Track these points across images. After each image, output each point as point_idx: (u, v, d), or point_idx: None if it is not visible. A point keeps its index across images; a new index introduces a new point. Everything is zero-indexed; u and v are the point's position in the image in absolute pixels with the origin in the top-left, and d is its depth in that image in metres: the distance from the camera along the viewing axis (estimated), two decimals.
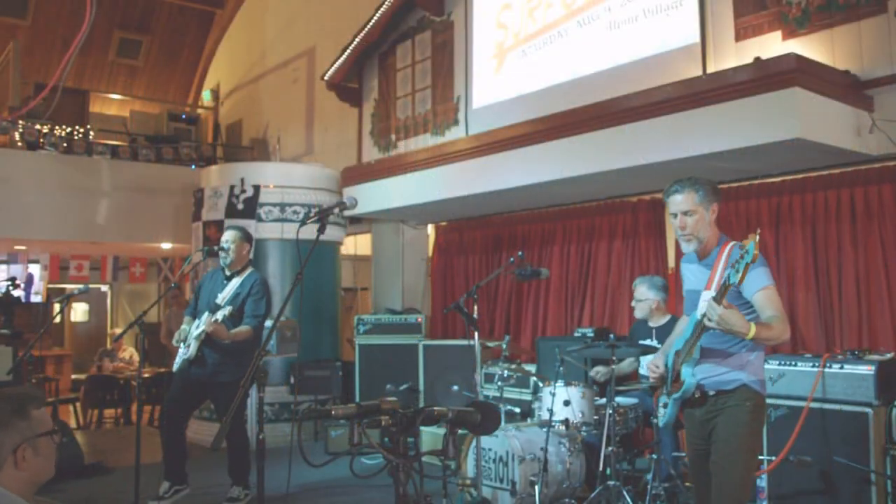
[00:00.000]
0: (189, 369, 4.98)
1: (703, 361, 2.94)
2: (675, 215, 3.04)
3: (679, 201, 3.03)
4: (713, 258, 3.00)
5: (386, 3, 7.51)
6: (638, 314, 4.98)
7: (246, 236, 5.22)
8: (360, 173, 7.32)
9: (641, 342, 4.95)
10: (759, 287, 2.85)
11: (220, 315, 4.81)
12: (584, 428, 4.47)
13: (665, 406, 3.06)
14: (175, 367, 5.12)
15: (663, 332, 4.89)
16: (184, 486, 5.08)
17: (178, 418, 5.15)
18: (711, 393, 2.94)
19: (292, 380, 7.01)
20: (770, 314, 2.82)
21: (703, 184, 3.03)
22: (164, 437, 5.13)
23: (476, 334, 4.50)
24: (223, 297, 5.06)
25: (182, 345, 5.03)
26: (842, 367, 4.05)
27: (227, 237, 5.17)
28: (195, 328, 5.03)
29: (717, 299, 2.70)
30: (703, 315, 2.84)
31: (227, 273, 5.15)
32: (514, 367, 5.15)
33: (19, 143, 8.81)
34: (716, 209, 3.03)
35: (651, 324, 4.98)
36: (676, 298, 5.02)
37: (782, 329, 2.81)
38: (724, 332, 2.79)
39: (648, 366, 3.12)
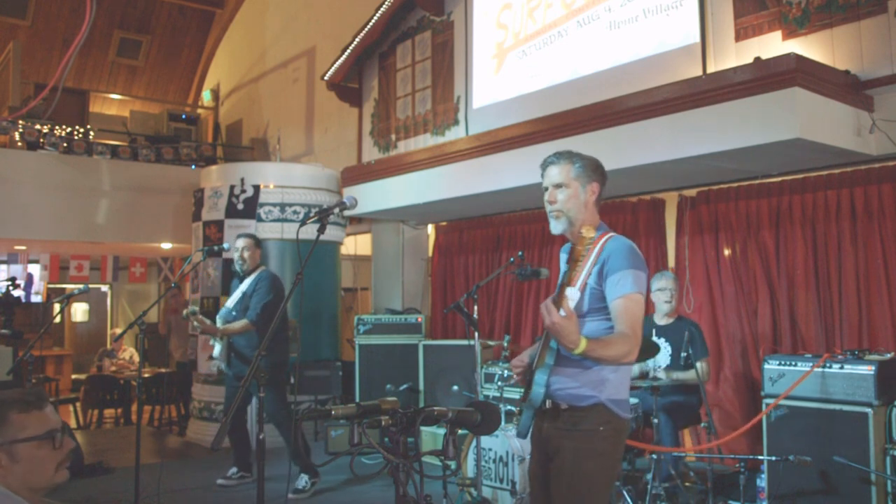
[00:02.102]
0: (228, 370, 5.46)
1: (559, 369, 2.50)
2: (547, 189, 2.67)
3: (552, 174, 2.66)
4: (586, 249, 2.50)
5: (386, 3, 7.51)
6: (672, 307, 4.97)
7: (257, 241, 5.76)
8: (360, 173, 7.32)
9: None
10: (619, 294, 2.44)
11: (184, 312, 5.44)
12: None
13: (520, 413, 2.62)
14: (216, 368, 5.67)
15: (670, 331, 4.90)
16: (249, 475, 5.60)
17: (238, 416, 5.56)
18: (564, 407, 2.51)
19: (292, 380, 7.01)
20: (619, 328, 2.42)
21: (583, 158, 2.69)
22: (230, 433, 5.58)
23: (476, 334, 4.50)
24: (234, 298, 5.55)
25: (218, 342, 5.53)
26: (842, 368, 4.05)
27: (241, 244, 5.60)
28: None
29: (555, 302, 2.28)
30: None
31: (241, 274, 5.63)
32: None
33: (19, 143, 8.81)
34: (596, 190, 2.67)
35: (659, 321, 4.99)
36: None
37: (624, 349, 2.38)
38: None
39: (513, 362, 2.68)
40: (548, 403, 2.54)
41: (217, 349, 5.41)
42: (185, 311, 5.59)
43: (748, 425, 4.47)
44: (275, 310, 5.21)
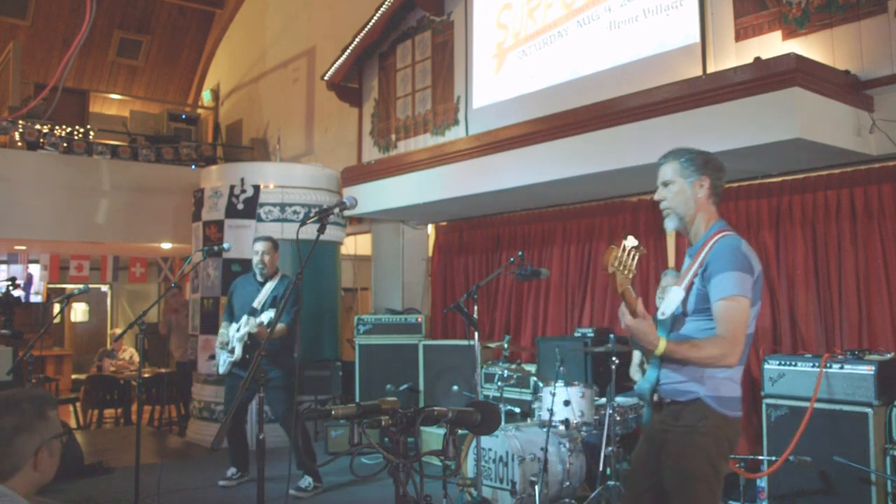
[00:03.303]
0: (237, 372, 5.39)
1: (665, 364, 2.55)
2: (658, 187, 2.68)
3: (660, 172, 2.67)
4: (697, 247, 2.61)
5: (386, 3, 7.51)
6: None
7: (275, 244, 5.69)
8: (360, 173, 7.32)
9: None
10: (719, 296, 2.45)
11: (265, 318, 5.22)
12: (584, 428, 4.47)
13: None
14: (221, 369, 5.52)
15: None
16: (247, 473, 5.64)
17: (237, 416, 5.56)
18: (667, 401, 2.56)
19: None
20: (716, 331, 2.44)
21: (688, 152, 2.64)
22: (228, 433, 5.50)
23: (476, 334, 4.50)
24: (260, 300, 5.49)
25: (225, 349, 5.46)
26: (842, 368, 4.05)
27: (261, 248, 5.58)
28: (235, 332, 5.44)
29: (627, 305, 2.39)
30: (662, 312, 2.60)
31: (260, 279, 5.57)
32: (514, 367, 5.16)
33: (19, 143, 8.81)
34: (705, 184, 2.60)
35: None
36: None
37: (715, 352, 2.40)
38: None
39: (635, 353, 2.91)
40: (655, 397, 2.60)
41: (238, 352, 5.36)
42: (262, 320, 5.27)
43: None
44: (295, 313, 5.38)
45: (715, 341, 2.42)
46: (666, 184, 2.64)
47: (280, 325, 5.25)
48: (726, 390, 2.51)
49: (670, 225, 2.66)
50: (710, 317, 2.49)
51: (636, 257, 2.37)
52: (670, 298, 2.61)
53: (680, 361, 2.46)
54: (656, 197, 2.68)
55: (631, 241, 2.34)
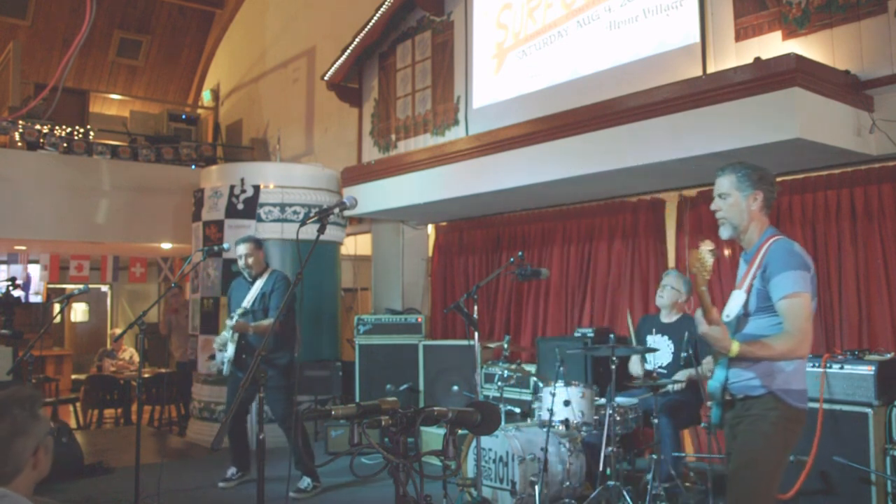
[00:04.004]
0: (235, 372, 5.44)
1: (735, 364, 2.75)
2: (715, 198, 2.90)
3: (717, 185, 2.89)
4: (752, 253, 2.83)
5: (386, 3, 7.51)
6: (664, 302, 4.99)
7: (258, 243, 5.70)
8: (360, 173, 7.32)
9: (649, 338, 4.97)
10: (781, 295, 2.66)
11: (235, 315, 5.36)
12: (584, 428, 4.47)
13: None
14: (225, 370, 5.53)
15: (674, 329, 4.91)
16: (247, 473, 5.64)
17: (238, 415, 5.61)
18: (739, 397, 2.78)
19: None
20: (783, 327, 2.65)
21: (745, 167, 2.84)
22: (229, 433, 5.62)
23: (476, 334, 4.50)
24: (249, 299, 5.53)
25: (223, 350, 5.50)
26: (842, 368, 4.05)
27: (244, 251, 5.59)
28: (227, 331, 5.52)
29: (704, 314, 2.59)
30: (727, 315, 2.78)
31: (250, 279, 5.61)
32: (514, 367, 5.16)
33: (19, 143, 8.81)
34: (758, 197, 2.81)
35: (664, 319, 5.00)
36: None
37: (785, 347, 2.62)
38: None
39: (704, 360, 3.02)
40: (727, 396, 2.81)
41: (230, 351, 5.39)
42: (235, 320, 5.39)
43: None
44: (289, 311, 5.37)
45: (784, 337, 2.63)
46: (722, 196, 2.86)
47: (265, 321, 5.35)
48: (796, 383, 2.72)
49: (725, 233, 2.88)
50: (771, 314, 2.70)
51: (712, 260, 2.59)
52: (732, 301, 2.84)
53: (754, 360, 2.65)
54: (713, 207, 2.90)
55: (708, 245, 2.58)
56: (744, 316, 2.80)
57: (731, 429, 2.82)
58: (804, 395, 2.74)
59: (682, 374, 4.75)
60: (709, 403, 2.98)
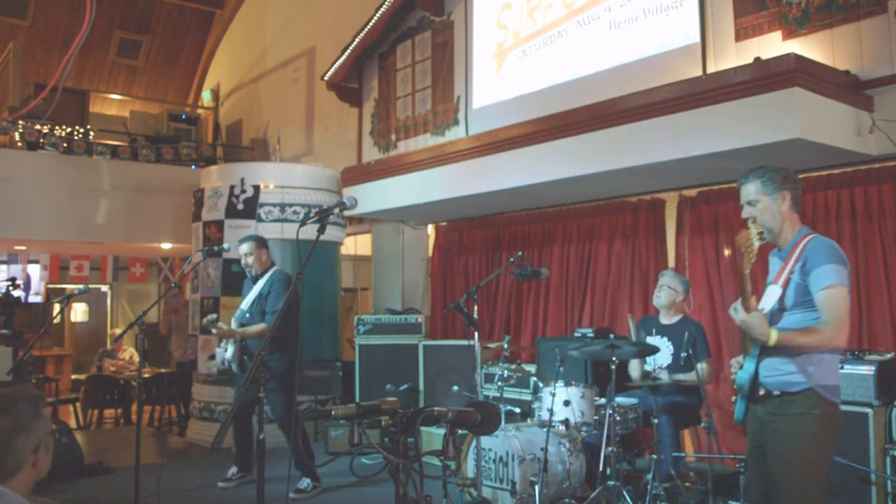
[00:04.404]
0: (240, 372, 5.45)
1: (769, 357, 2.76)
2: (744, 206, 2.95)
3: (743, 192, 2.94)
4: (788, 250, 2.87)
5: (386, 3, 7.51)
6: (661, 302, 4.98)
7: (260, 242, 5.63)
8: (360, 173, 7.32)
9: (649, 339, 4.97)
10: (820, 287, 2.70)
11: (204, 321, 5.42)
12: (584, 428, 4.47)
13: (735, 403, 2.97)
14: (232, 368, 5.52)
15: (674, 330, 4.90)
16: (249, 473, 5.60)
17: (243, 415, 5.57)
18: (776, 393, 2.76)
19: None
20: (821, 318, 2.69)
21: (767, 171, 2.89)
22: (235, 432, 5.66)
23: (476, 334, 4.50)
24: (248, 300, 5.53)
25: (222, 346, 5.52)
26: (842, 368, 4.05)
27: (244, 250, 5.56)
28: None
29: (743, 301, 2.64)
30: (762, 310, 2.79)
31: (252, 278, 5.61)
32: (514, 367, 5.15)
33: (19, 143, 8.81)
34: (786, 197, 2.86)
35: (664, 320, 5.00)
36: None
37: (823, 336, 2.65)
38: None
39: (731, 362, 3.03)
40: (761, 391, 2.79)
41: (230, 351, 5.39)
42: (205, 320, 5.51)
43: None
44: (290, 312, 5.17)
45: (821, 326, 2.67)
46: (751, 203, 2.92)
47: (259, 326, 5.33)
48: (831, 379, 2.75)
49: (762, 239, 2.89)
50: (809, 308, 2.73)
51: (759, 245, 2.69)
52: (767, 296, 2.86)
53: (792, 349, 2.67)
54: (745, 215, 2.94)
55: (757, 228, 2.70)
56: (778, 311, 2.82)
57: (763, 425, 2.80)
58: (839, 390, 2.78)
59: (681, 376, 4.75)
60: (733, 398, 2.97)
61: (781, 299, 2.81)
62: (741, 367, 2.85)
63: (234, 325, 5.49)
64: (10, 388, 2.00)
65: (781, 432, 2.72)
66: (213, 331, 5.45)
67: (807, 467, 2.68)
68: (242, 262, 5.59)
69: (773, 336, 2.63)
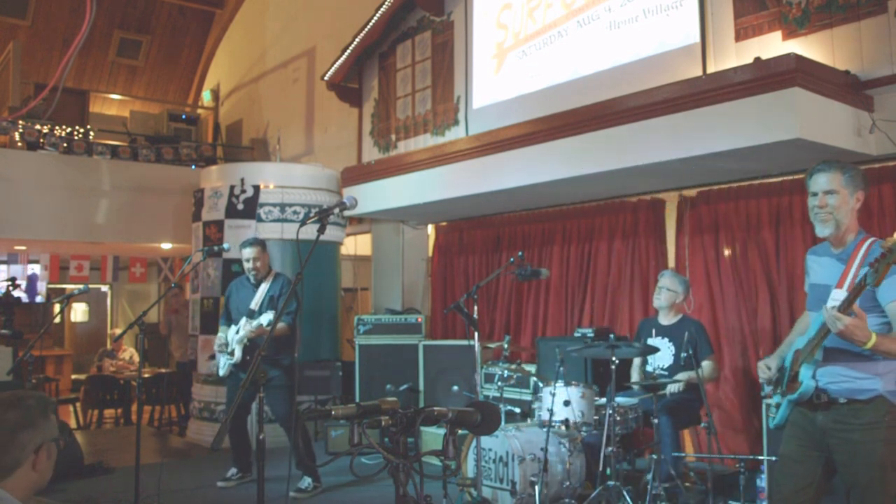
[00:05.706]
0: (237, 374, 5.46)
1: (830, 364, 2.68)
2: (816, 194, 2.80)
3: (822, 181, 2.79)
4: (849, 252, 2.77)
5: (386, 3, 7.51)
6: (661, 303, 4.97)
7: (263, 246, 5.66)
8: (360, 173, 7.32)
9: (649, 340, 4.97)
10: (893, 297, 2.61)
11: (264, 319, 5.29)
12: (584, 428, 4.47)
13: (778, 406, 2.88)
14: (221, 372, 5.58)
15: (674, 331, 4.90)
16: (248, 474, 5.65)
17: (239, 417, 5.57)
18: (842, 401, 2.67)
19: None
20: None
21: (851, 167, 2.81)
22: (230, 434, 5.63)
23: (476, 334, 4.50)
24: (257, 301, 5.50)
25: (224, 351, 5.48)
26: None
27: (251, 254, 5.56)
28: (234, 333, 5.46)
29: (844, 306, 2.52)
30: None
31: (254, 281, 5.58)
32: (514, 367, 5.15)
33: (19, 143, 8.81)
34: (860, 198, 2.79)
35: (663, 321, 4.99)
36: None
37: None
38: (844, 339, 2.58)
39: (759, 365, 2.94)
40: (823, 397, 2.69)
41: (238, 355, 5.38)
42: (263, 320, 5.35)
43: None
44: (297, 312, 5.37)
45: None
46: (829, 192, 2.78)
47: (281, 325, 5.28)
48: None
49: (826, 230, 2.80)
50: (876, 314, 2.63)
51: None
52: (832, 299, 2.74)
53: (883, 353, 2.57)
54: (818, 203, 2.79)
55: None
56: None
57: (823, 432, 2.72)
58: None
59: (682, 375, 4.75)
60: (774, 401, 2.89)
61: (845, 303, 2.66)
62: (787, 371, 2.75)
63: (246, 326, 5.39)
64: (24, 391, 2.04)
65: (857, 442, 2.64)
66: (246, 331, 5.33)
67: (888, 474, 2.61)
68: (249, 266, 5.55)
69: (873, 339, 2.51)
